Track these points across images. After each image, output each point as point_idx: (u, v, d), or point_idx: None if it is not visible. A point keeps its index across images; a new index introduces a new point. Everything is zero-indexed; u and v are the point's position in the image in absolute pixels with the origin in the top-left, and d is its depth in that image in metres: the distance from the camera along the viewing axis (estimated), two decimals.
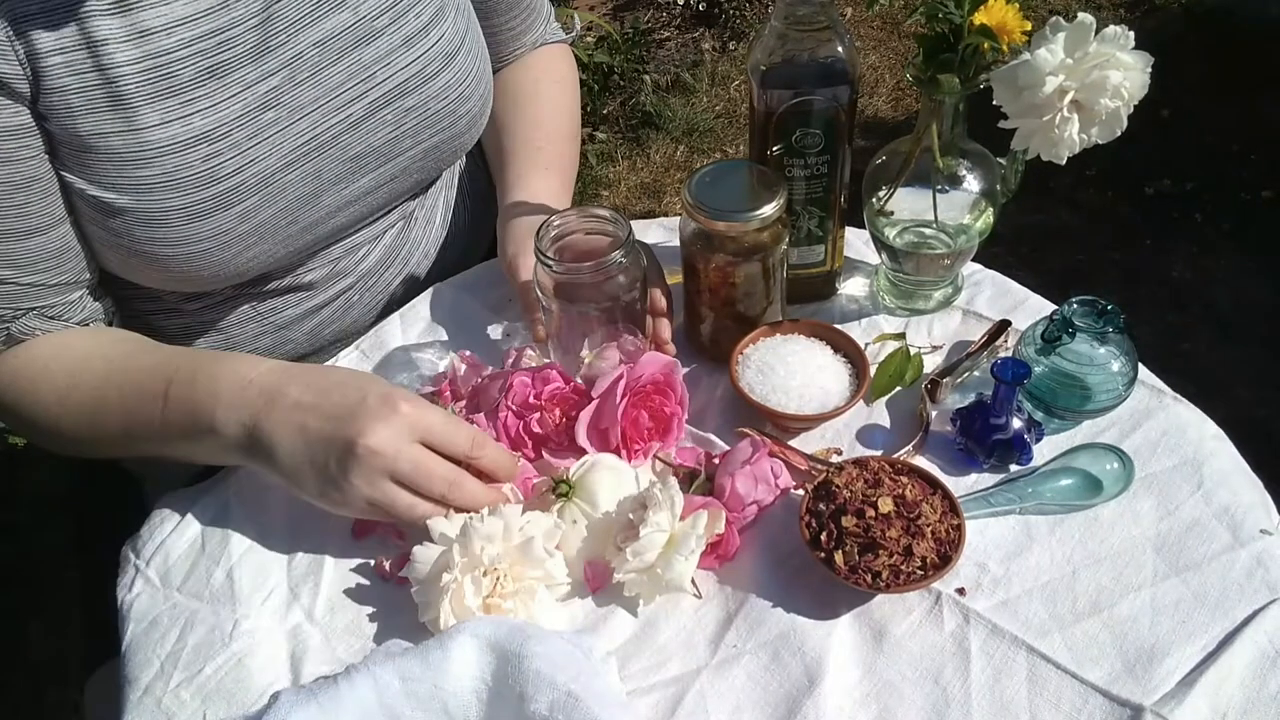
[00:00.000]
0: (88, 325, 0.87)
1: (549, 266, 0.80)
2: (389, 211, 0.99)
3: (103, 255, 0.84)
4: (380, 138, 0.90)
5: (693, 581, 0.72)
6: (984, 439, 0.79)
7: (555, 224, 0.82)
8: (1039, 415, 0.81)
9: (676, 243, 0.86)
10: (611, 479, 0.77)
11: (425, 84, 0.90)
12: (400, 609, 0.73)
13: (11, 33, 0.72)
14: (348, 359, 0.94)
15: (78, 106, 0.75)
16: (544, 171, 1.01)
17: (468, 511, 0.73)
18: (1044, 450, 0.80)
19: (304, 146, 0.85)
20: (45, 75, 0.74)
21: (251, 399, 0.75)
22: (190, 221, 0.81)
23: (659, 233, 1.00)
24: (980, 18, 0.73)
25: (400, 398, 0.73)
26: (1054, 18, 0.70)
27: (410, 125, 0.91)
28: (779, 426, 0.82)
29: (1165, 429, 0.81)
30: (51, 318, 0.84)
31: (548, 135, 1.05)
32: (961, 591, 0.72)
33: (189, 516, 0.81)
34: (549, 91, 1.09)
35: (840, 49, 0.79)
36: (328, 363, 0.94)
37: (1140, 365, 0.80)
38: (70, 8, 0.73)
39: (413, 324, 0.96)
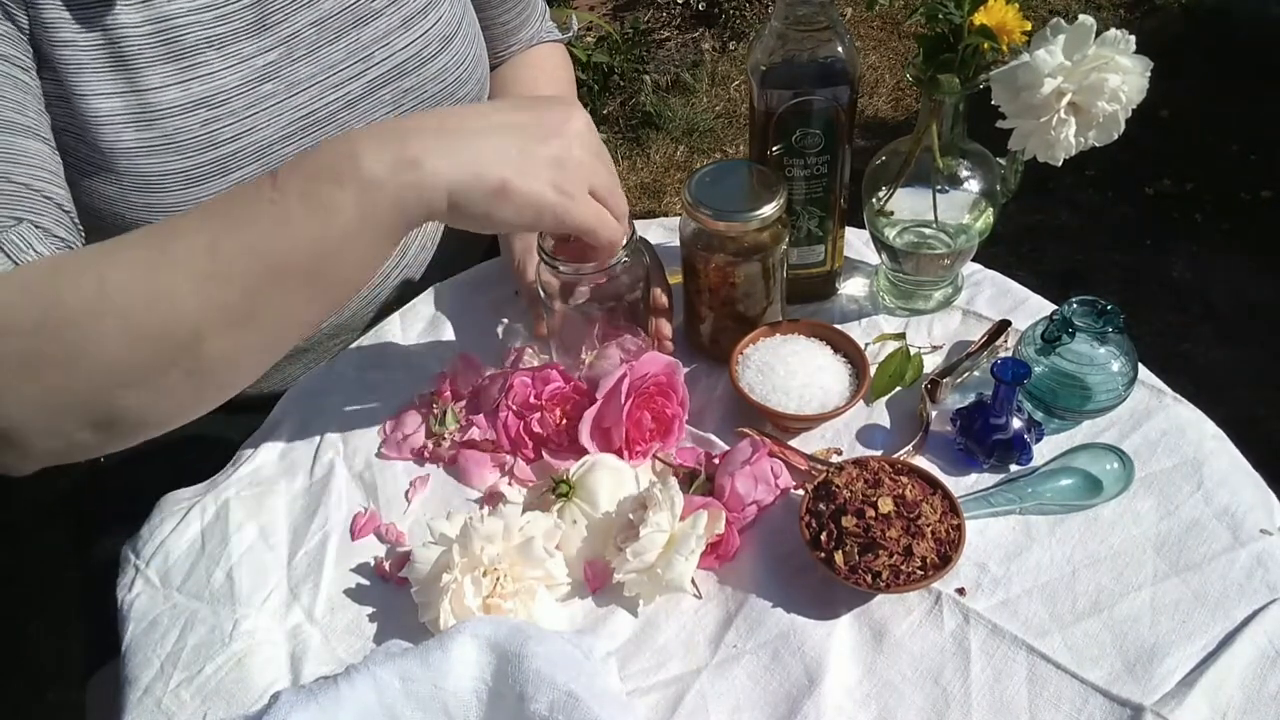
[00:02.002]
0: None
1: (553, 267, 0.80)
2: None
3: (99, 231, 0.84)
4: (378, 117, 0.91)
5: (693, 581, 0.72)
6: (984, 439, 0.79)
7: None
8: (1039, 415, 0.81)
9: (676, 243, 0.86)
10: (611, 479, 0.77)
11: (423, 65, 0.91)
12: (400, 609, 0.73)
13: None
14: (347, 359, 0.94)
15: (85, 63, 0.76)
16: None
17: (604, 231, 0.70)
18: (1044, 450, 0.80)
19: (302, 121, 0.86)
20: (54, 28, 0.75)
21: (403, 128, 0.64)
22: (188, 186, 0.82)
23: (659, 233, 1.00)
24: (980, 18, 0.73)
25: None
26: (1054, 19, 0.70)
27: (408, 107, 0.92)
28: (779, 426, 0.82)
29: (1165, 429, 0.81)
30: (52, 235, 0.71)
31: None
32: (961, 591, 0.72)
33: (189, 516, 0.81)
34: (545, 91, 1.09)
35: (840, 49, 0.79)
36: (325, 361, 0.94)
37: (1140, 365, 0.80)
38: None
39: (413, 324, 0.96)
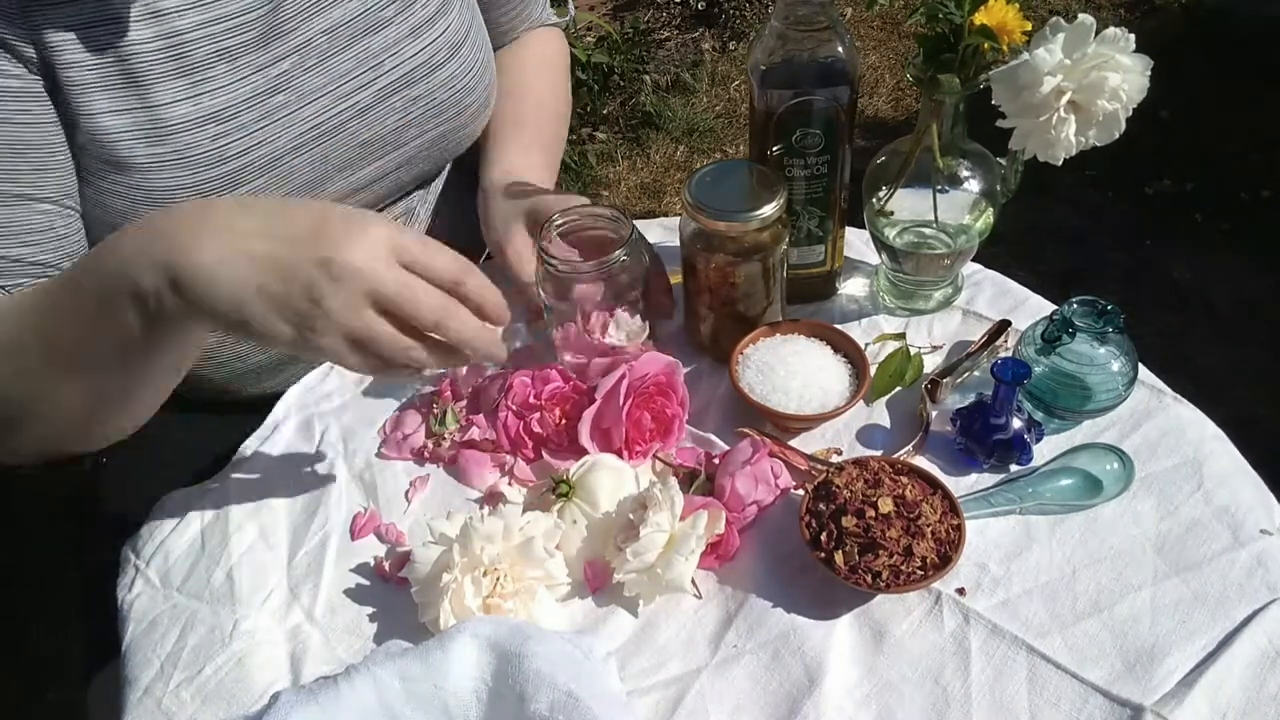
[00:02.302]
0: None
1: (552, 266, 0.80)
2: (394, 203, 0.99)
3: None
4: (387, 126, 0.91)
5: (693, 581, 0.72)
6: (984, 439, 0.79)
7: (557, 223, 0.82)
8: (1039, 415, 0.81)
9: (676, 243, 0.86)
10: (611, 479, 0.77)
11: (431, 73, 0.92)
12: (400, 609, 0.73)
13: (29, 6, 0.73)
14: None
15: (93, 82, 0.76)
16: (524, 149, 1.01)
17: (455, 354, 0.65)
18: (1044, 450, 0.80)
19: (312, 131, 0.86)
20: (60, 50, 0.75)
21: (165, 235, 0.63)
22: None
23: (659, 233, 1.00)
24: (980, 18, 0.73)
25: (369, 216, 0.63)
26: (1054, 18, 0.70)
27: (416, 114, 0.92)
28: (779, 426, 0.82)
29: (1165, 429, 0.81)
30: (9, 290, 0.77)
31: (531, 112, 1.05)
32: (961, 591, 0.72)
33: (189, 516, 0.81)
34: (535, 70, 1.10)
35: (840, 49, 0.79)
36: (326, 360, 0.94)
37: (1140, 365, 0.80)
38: None
39: None
